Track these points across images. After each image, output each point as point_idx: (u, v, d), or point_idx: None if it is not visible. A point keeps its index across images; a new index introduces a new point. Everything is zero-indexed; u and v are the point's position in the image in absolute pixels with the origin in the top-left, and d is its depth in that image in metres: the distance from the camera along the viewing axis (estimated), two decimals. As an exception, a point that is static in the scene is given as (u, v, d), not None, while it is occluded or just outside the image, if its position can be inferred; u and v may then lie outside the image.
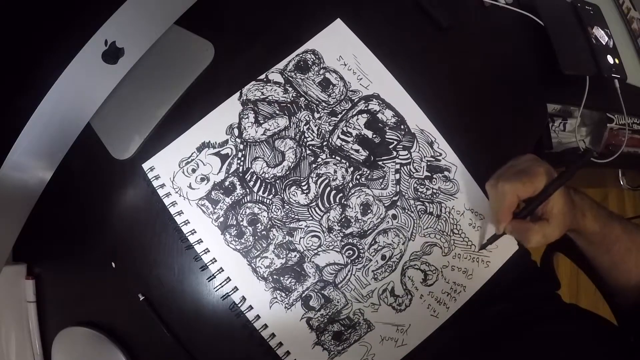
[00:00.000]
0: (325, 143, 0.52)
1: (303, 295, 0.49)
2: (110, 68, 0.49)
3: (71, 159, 0.50)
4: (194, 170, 0.51)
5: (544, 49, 0.62)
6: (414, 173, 0.52)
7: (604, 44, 0.68)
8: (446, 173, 0.53)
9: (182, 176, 0.51)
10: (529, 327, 0.48)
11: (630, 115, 0.68)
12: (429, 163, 0.53)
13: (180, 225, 0.50)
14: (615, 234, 0.48)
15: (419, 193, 0.52)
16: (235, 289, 0.49)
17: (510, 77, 0.61)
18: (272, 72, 0.53)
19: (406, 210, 0.52)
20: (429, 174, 0.53)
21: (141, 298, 0.51)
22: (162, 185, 0.51)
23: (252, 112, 0.52)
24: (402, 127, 0.53)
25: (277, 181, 0.51)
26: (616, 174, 0.92)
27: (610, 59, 0.66)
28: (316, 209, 0.51)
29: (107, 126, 0.53)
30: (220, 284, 0.49)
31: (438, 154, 0.53)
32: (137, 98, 0.54)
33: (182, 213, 0.50)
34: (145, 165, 0.51)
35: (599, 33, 0.68)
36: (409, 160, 0.53)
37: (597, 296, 0.57)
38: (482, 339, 0.49)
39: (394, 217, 0.51)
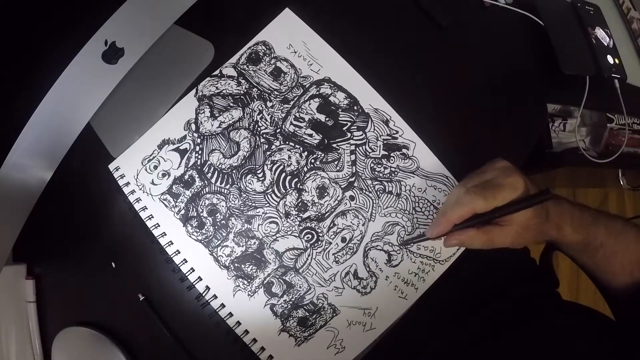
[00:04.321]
0: (278, 130, 0.53)
1: (265, 281, 0.50)
2: (110, 68, 0.49)
3: (71, 159, 0.50)
4: (155, 167, 0.52)
5: (544, 49, 0.62)
6: (370, 153, 0.53)
7: (604, 44, 0.68)
8: (404, 150, 0.53)
9: (145, 173, 0.52)
10: (529, 323, 0.48)
11: (630, 115, 0.68)
12: (385, 142, 0.53)
13: (144, 220, 0.51)
14: (599, 240, 0.47)
15: (376, 172, 0.52)
16: (199, 279, 0.50)
17: (510, 77, 0.62)
18: (226, 66, 0.54)
19: (364, 191, 0.52)
20: (386, 153, 0.53)
21: (141, 298, 0.51)
22: (127, 184, 0.52)
23: (208, 106, 0.53)
24: (355, 107, 0.54)
25: (234, 171, 0.52)
26: (616, 174, 0.92)
27: (610, 59, 0.66)
28: (272, 195, 0.51)
29: (107, 126, 0.53)
30: (186, 274, 0.50)
31: (394, 132, 0.53)
32: (137, 98, 0.54)
33: (146, 208, 0.51)
34: (111, 166, 0.53)
35: (599, 33, 0.68)
36: (364, 140, 0.53)
37: (597, 296, 0.57)
38: (482, 337, 0.49)
39: (352, 198, 0.52)
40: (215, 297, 0.49)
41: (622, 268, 0.48)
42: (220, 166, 0.52)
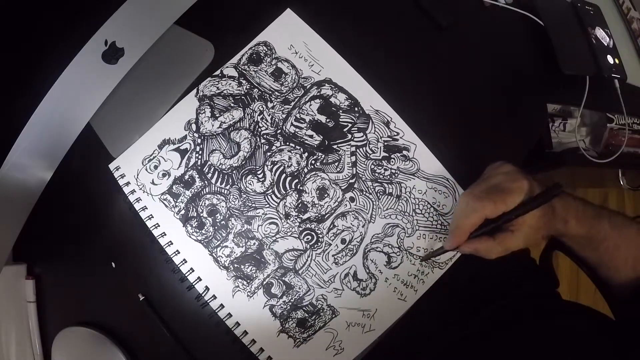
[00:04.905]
0: (279, 131, 0.53)
1: (264, 282, 0.50)
2: (110, 68, 0.49)
3: (71, 159, 0.50)
4: (156, 167, 0.52)
5: (544, 49, 0.62)
6: (370, 154, 0.53)
7: (604, 44, 0.68)
8: (405, 152, 0.53)
9: (145, 173, 0.52)
10: (529, 323, 0.48)
11: (630, 115, 0.68)
12: (386, 143, 0.53)
13: (144, 220, 0.51)
14: (603, 233, 0.47)
15: (376, 174, 0.52)
16: (199, 279, 0.50)
17: (510, 77, 0.62)
18: (227, 67, 0.54)
19: (364, 192, 0.52)
20: (387, 155, 0.53)
21: (141, 298, 0.51)
22: (128, 184, 0.52)
23: (209, 106, 0.53)
24: (355, 109, 0.54)
25: (234, 171, 0.52)
26: (616, 174, 0.92)
27: (610, 59, 0.66)
28: (272, 196, 0.51)
29: (107, 126, 0.53)
30: (185, 275, 0.50)
31: (395, 134, 0.53)
32: (137, 98, 0.54)
33: (146, 208, 0.51)
34: (112, 166, 0.53)
35: (599, 33, 0.68)
36: (365, 141, 0.53)
37: (597, 296, 0.57)
38: (482, 337, 0.49)
39: (352, 199, 0.52)
40: (214, 297, 0.49)
41: (625, 262, 0.48)
42: (220, 166, 0.52)
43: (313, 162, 0.52)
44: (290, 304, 0.50)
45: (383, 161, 0.53)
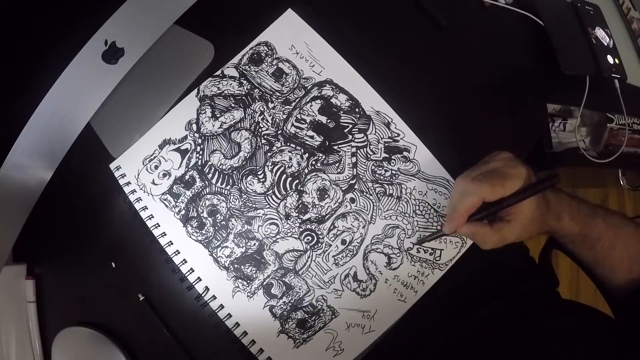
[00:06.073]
0: (279, 132, 0.53)
1: (264, 283, 0.50)
2: (110, 68, 0.49)
3: (71, 159, 0.50)
4: (156, 167, 0.52)
5: (544, 49, 0.62)
6: (371, 155, 0.53)
7: (604, 44, 0.68)
8: (405, 153, 0.53)
9: (145, 173, 0.52)
10: (528, 323, 0.48)
11: (630, 115, 0.68)
12: (386, 144, 0.53)
13: (144, 220, 0.51)
14: (597, 232, 0.47)
15: (376, 175, 0.52)
16: (199, 279, 0.50)
17: (510, 77, 0.62)
18: (228, 67, 0.54)
19: (364, 193, 0.52)
20: (387, 155, 0.53)
21: (141, 298, 0.51)
22: (128, 183, 0.52)
23: (209, 107, 0.53)
24: (356, 110, 0.54)
25: (234, 172, 0.52)
26: (616, 174, 0.92)
27: (610, 59, 0.66)
28: (273, 196, 0.51)
29: (107, 126, 0.53)
30: (185, 275, 0.50)
31: (396, 135, 0.53)
32: (137, 98, 0.54)
33: (147, 208, 0.51)
34: (112, 165, 0.53)
35: (599, 33, 0.68)
36: (365, 142, 0.53)
37: (597, 296, 0.57)
38: (480, 337, 0.49)
39: (352, 200, 0.52)
40: (214, 297, 0.49)
41: (621, 262, 0.48)
42: (221, 167, 0.52)
43: (314, 162, 0.52)
44: (290, 304, 0.50)
45: (383, 162, 0.53)
